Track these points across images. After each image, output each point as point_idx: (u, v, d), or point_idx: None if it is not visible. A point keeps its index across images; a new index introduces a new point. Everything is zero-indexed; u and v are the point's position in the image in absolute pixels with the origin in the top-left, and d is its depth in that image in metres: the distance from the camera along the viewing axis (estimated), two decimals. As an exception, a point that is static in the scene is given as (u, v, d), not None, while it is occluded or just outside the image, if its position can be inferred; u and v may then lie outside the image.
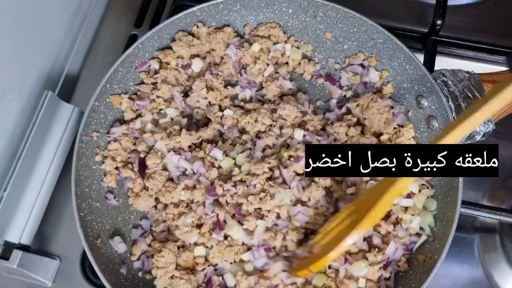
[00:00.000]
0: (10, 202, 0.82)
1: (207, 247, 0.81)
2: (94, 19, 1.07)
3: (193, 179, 0.84)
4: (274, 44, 0.95)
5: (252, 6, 0.95)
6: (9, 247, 0.83)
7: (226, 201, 0.82)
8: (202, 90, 0.90)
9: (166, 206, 0.84)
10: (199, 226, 0.82)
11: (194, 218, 0.81)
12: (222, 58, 0.96)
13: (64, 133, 0.91)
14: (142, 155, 0.85)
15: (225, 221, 0.81)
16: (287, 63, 0.96)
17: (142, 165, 0.84)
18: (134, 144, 0.88)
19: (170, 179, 0.85)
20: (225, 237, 0.81)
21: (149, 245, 0.83)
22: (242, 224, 0.80)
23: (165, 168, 0.86)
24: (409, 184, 0.71)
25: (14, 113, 0.86)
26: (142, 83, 0.92)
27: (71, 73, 1.02)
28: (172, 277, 0.79)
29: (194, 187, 0.83)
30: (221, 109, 0.91)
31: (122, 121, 0.90)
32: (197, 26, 0.93)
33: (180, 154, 0.85)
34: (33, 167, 0.87)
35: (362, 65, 0.93)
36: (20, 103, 0.87)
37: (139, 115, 0.90)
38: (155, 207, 0.85)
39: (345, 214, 0.76)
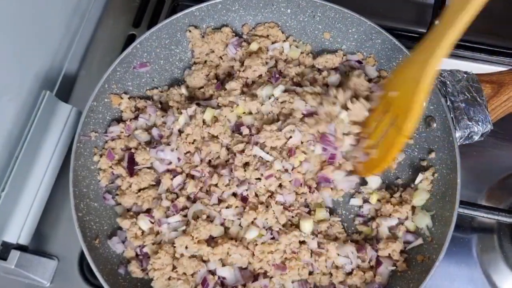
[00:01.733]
0: (8, 202, 0.82)
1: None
2: (92, 19, 1.07)
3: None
4: (273, 43, 0.95)
5: (250, 6, 0.95)
6: (7, 247, 0.83)
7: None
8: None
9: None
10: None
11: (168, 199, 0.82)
12: (221, 57, 0.96)
13: (62, 133, 0.91)
14: (132, 151, 0.86)
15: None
16: (285, 60, 0.96)
17: (131, 161, 0.85)
18: None
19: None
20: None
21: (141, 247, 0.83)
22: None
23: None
24: (444, 54, 0.67)
25: (12, 113, 0.86)
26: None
27: (69, 73, 1.02)
28: (169, 279, 0.78)
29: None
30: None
31: (119, 121, 0.90)
32: (190, 31, 0.93)
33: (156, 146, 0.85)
34: (31, 167, 0.87)
35: (359, 61, 0.94)
36: (18, 103, 0.86)
37: (137, 116, 0.90)
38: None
39: (380, 110, 0.80)
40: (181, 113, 0.86)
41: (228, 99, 0.87)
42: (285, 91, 0.87)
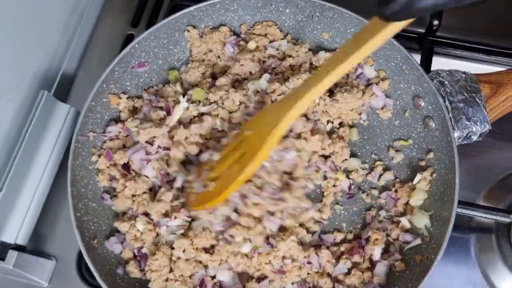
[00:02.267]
0: (5, 202, 0.82)
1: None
2: (90, 18, 1.07)
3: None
4: (271, 42, 0.95)
5: (249, 6, 0.95)
6: (5, 247, 0.83)
7: None
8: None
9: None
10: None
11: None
12: (218, 57, 0.96)
13: (60, 133, 0.91)
14: None
15: None
16: (284, 59, 0.96)
17: (125, 163, 0.84)
18: None
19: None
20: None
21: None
22: None
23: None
24: (303, 109, 0.72)
25: (10, 113, 0.85)
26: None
27: (67, 72, 1.02)
28: (166, 280, 0.78)
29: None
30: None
31: (118, 121, 0.89)
32: (188, 31, 0.93)
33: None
34: (29, 167, 0.87)
35: None
36: (16, 103, 0.86)
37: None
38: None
39: (232, 146, 0.78)
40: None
41: (218, 94, 0.87)
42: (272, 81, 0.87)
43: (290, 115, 0.71)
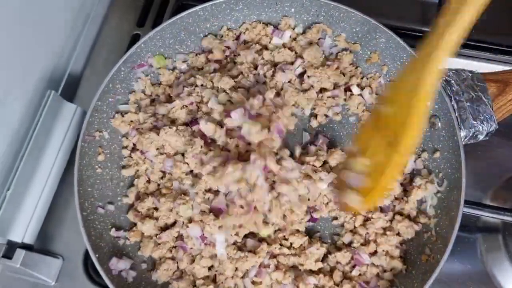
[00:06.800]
0: (13, 201, 0.82)
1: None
2: (96, 18, 1.07)
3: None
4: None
5: (254, 6, 0.95)
6: (12, 246, 0.83)
7: None
8: None
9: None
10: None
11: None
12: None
13: (67, 132, 0.92)
14: None
15: None
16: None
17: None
18: None
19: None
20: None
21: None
22: None
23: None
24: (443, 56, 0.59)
25: (17, 113, 0.86)
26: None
27: (74, 72, 1.02)
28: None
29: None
30: None
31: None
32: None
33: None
34: (36, 166, 0.87)
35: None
36: (23, 102, 0.87)
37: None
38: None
39: (370, 127, 0.70)
40: None
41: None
42: None
43: (430, 72, 0.58)
